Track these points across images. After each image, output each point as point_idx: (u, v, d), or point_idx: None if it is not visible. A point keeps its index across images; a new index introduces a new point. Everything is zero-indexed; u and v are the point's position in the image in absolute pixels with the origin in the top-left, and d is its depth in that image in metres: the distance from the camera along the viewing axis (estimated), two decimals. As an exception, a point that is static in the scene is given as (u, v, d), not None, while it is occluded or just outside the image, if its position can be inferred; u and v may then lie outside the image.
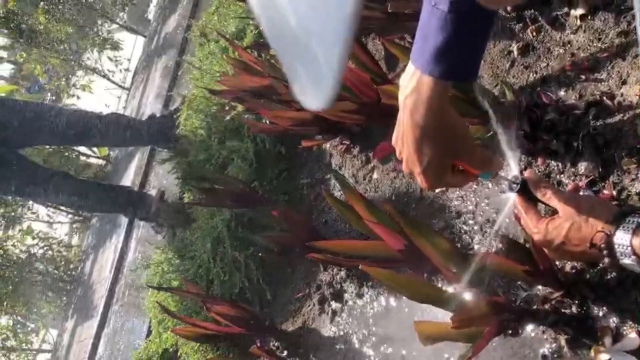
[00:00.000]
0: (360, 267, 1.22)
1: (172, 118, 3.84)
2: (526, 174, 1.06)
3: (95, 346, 4.83)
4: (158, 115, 4.27)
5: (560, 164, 1.35)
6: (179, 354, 2.92)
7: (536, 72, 1.51)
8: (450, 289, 1.33)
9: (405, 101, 0.82)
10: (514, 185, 1.06)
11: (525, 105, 1.43)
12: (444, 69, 0.75)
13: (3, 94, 7.27)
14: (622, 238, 0.84)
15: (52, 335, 7.18)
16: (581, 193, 1.15)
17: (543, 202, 1.04)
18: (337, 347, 1.92)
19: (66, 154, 6.78)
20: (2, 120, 3.31)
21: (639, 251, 0.82)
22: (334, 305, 2.01)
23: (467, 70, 0.79)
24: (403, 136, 0.85)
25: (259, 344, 1.94)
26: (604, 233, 0.87)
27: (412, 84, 0.79)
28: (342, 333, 1.94)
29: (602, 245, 0.87)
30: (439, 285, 1.51)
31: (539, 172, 1.38)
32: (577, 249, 0.92)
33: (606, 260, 0.89)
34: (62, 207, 7.27)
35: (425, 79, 0.77)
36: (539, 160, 1.39)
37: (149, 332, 3.58)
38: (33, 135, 3.47)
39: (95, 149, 7.43)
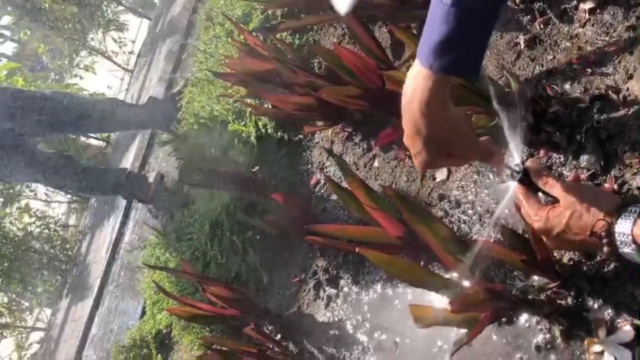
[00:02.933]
0: (357, 251, 1.23)
1: (174, 101, 3.85)
2: (528, 162, 1.06)
3: (88, 326, 4.85)
4: (160, 98, 4.27)
5: (562, 157, 1.35)
6: (172, 334, 2.94)
7: (542, 65, 1.51)
8: (447, 276, 1.34)
9: (405, 93, 0.84)
10: (516, 174, 1.06)
11: (530, 97, 1.43)
12: (444, 63, 0.76)
13: (6, 71, 7.25)
14: (623, 226, 0.84)
15: (46, 314, 7.20)
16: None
17: (544, 192, 1.04)
18: (331, 332, 1.93)
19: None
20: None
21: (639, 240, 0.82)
22: (330, 291, 2.02)
23: (468, 65, 0.79)
24: (403, 119, 0.88)
25: (253, 326, 1.94)
26: (605, 222, 0.87)
27: (413, 76, 0.81)
28: (336, 319, 1.94)
29: (603, 234, 0.87)
30: (436, 272, 1.51)
31: (541, 163, 1.38)
32: (577, 238, 0.93)
33: (605, 249, 0.89)
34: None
35: (425, 72, 0.78)
36: (541, 152, 1.39)
37: (143, 314, 3.60)
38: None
39: (95, 130, 7.41)
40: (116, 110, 3.80)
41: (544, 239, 1.04)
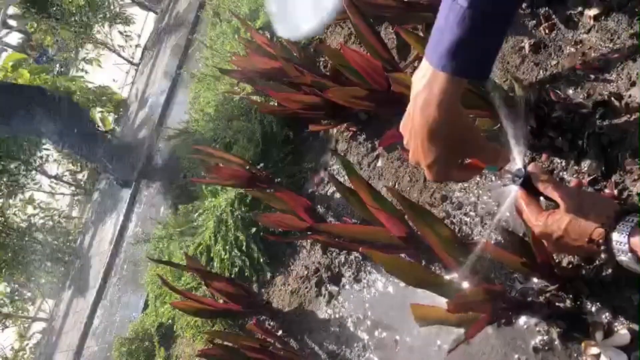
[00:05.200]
0: (360, 250, 1.25)
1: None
2: (530, 167, 1.08)
3: (91, 317, 4.89)
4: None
5: (564, 161, 1.37)
6: (174, 328, 2.96)
7: (546, 70, 1.53)
8: (448, 277, 1.36)
9: (416, 97, 0.81)
10: (517, 179, 1.07)
11: (534, 102, 1.45)
12: (458, 65, 0.75)
13: (12, 62, 7.27)
14: (620, 235, 0.85)
15: (48, 305, 7.23)
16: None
17: (544, 196, 1.05)
18: (332, 329, 1.95)
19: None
20: None
21: (636, 249, 0.84)
22: (331, 288, 2.04)
23: (481, 68, 0.78)
24: (412, 130, 0.84)
25: (255, 322, 1.97)
26: (602, 229, 0.88)
27: (425, 79, 0.79)
28: (337, 316, 1.97)
29: (600, 241, 0.89)
30: (437, 272, 1.54)
31: (542, 168, 1.40)
32: (575, 243, 0.94)
33: (603, 256, 0.90)
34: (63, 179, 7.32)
35: (438, 75, 0.76)
36: (543, 156, 1.41)
37: (146, 307, 3.63)
38: None
39: (100, 123, 7.44)
40: None
41: (545, 243, 1.05)
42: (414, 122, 0.83)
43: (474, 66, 0.77)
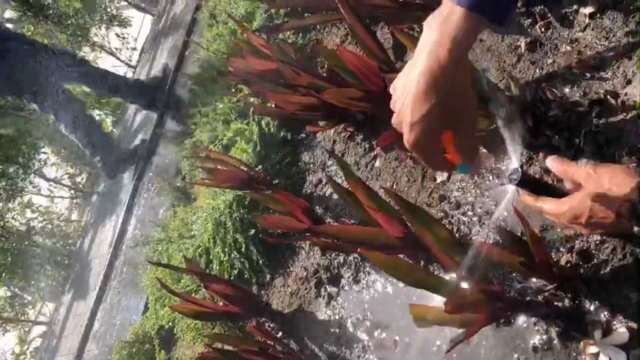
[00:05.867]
0: (358, 252, 1.25)
1: (158, 81, 4.16)
2: (548, 160, 1.05)
3: (91, 321, 4.89)
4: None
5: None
6: (175, 330, 2.96)
7: (542, 68, 1.53)
8: (446, 277, 1.36)
9: (425, 39, 0.74)
10: (514, 178, 1.07)
11: (530, 100, 1.45)
12: (478, 2, 0.71)
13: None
14: None
15: (48, 308, 7.24)
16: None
17: (544, 192, 1.04)
18: (332, 330, 1.95)
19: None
20: None
21: None
22: (330, 289, 2.04)
23: (501, 9, 0.74)
24: (406, 82, 0.76)
25: (254, 324, 1.97)
26: (629, 203, 0.86)
27: (439, 19, 0.73)
28: (337, 317, 1.97)
29: (629, 215, 0.86)
30: (436, 272, 1.54)
31: (540, 167, 1.40)
32: (606, 221, 0.91)
33: (635, 230, 0.88)
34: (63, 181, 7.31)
35: (455, 11, 0.72)
36: (540, 155, 1.41)
37: (146, 309, 3.63)
38: None
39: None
40: None
41: (578, 227, 1.01)
42: (414, 72, 0.75)
43: (494, 6, 0.73)
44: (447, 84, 0.72)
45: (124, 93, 4.82)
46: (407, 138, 0.77)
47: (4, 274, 6.65)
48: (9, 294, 7.30)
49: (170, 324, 3.05)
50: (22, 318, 7.40)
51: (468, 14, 0.71)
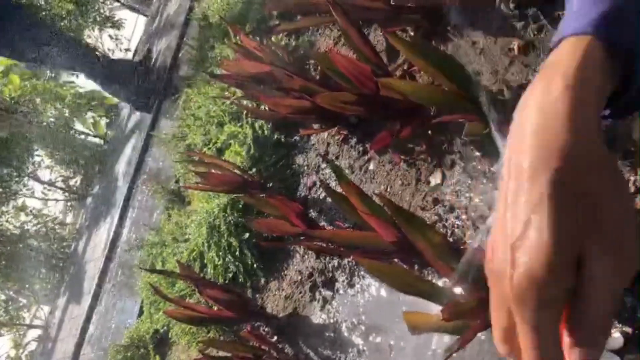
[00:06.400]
0: (352, 258, 1.24)
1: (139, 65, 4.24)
2: None
3: (86, 324, 4.87)
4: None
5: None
6: (170, 334, 2.95)
7: (535, 71, 1.52)
8: (440, 283, 1.35)
9: (535, 92, 0.41)
10: None
11: (523, 104, 1.44)
12: (614, 30, 0.45)
13: (2, 67, 7.23)
14: None
15: (43, 312, 7.21)
16: None
17: None
18: (326, 334, 1.95)
19: (63, 132, 6.77)
20: None
21: None
22: (325, 293, 2.03)
23: (634, 39, 0.46)
24: (519, 155, 0.40)
25: (249, 329, 1.96)
26: None
27: (556, 58, 0.44)
28: (331, 321, 1.96)
29: None
30: (430, 278, 1.53)
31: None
32: None
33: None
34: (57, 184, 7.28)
35: (580, 41, 0.44)
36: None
37: (141, 312, 3.61)
38: None
39: (92, 128, 7.42)
40: None
41: None
42: (522, 144, 0.40)
43: (628, 31, 0.46)
44: (575, 141, 0.39)
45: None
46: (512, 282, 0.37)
47: (-2, 278, 6.62)
48: (3, 297, 7.27)
49: (165, 327, 3.04)
50: (17, 322, 7.37)
51: (599, 45, 0.45)
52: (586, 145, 0.38)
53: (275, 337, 2.19)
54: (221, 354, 1.94)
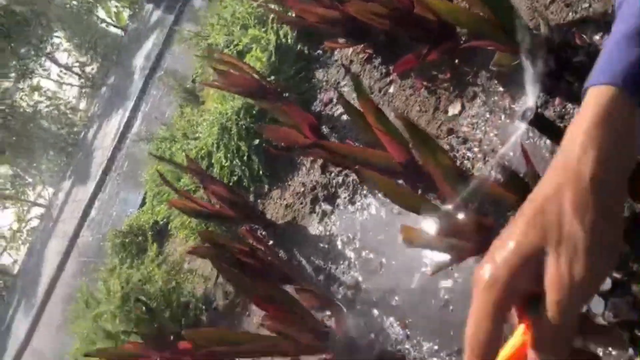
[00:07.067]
0: (357, 168, 1.25)
1: None
2: None
3: (88, 208, 5.00)
4: None
5: (577, 108, 1.35)
6: (169, 227, 3.03)
7: (576, 12, 1.47)
8: (443, 207, 1.37)
9: (568, 150, 0.44)
10: (527, 116, 1.06)
11: (557, 43, 1.40)
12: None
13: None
14: None
15: (48, 192, 7.38)
16: None
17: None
18: (321, 245, 2.00)
19: (85, 16, 6.66)
20: None
21: None
22: (325, 207, 2.07)
23: None
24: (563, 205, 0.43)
25: (247, 229, 2.01)
26: None
27: (587, 113, 0.46)
28: (328, 233, 2.01)
29: None
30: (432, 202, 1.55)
31: (554, 112, 1.38)
32: None
33: None
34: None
35: (603, 92, 0.47)
36: (557, 100, 1.38)
37: (143, 204, 3.70)
38: None
39: (114, 17, 7.29)
40: None
41: None
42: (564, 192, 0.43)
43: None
44: (612, 181, 0.44)
45: None
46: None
47: (7, 153, 6.73)
48: (10, 172, 7.42)
49: (164, 220, 3.12)
50: (22, 198, 7.56)
51: (625, 97, 0.47)
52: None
53: (272, 242, 2.25)
54: (218, 244, 1.99)
